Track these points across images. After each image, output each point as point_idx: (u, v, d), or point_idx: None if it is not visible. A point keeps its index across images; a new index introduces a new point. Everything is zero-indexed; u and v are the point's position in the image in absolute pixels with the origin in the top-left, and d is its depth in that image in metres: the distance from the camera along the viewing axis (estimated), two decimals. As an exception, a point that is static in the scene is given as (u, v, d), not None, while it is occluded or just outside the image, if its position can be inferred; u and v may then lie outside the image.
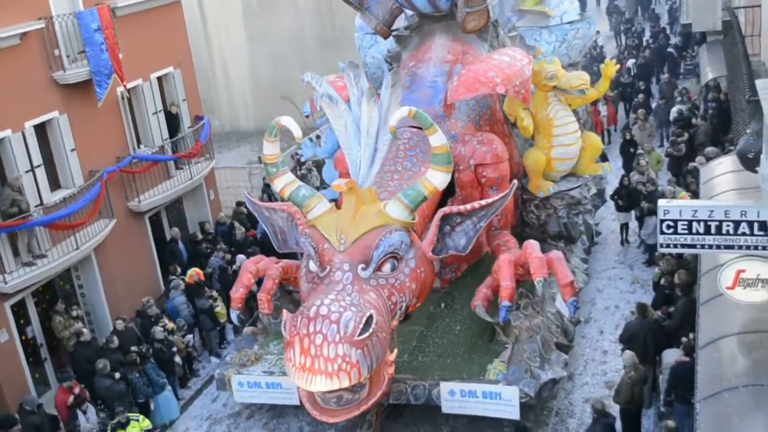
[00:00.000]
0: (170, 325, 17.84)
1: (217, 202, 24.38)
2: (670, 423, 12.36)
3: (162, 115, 21.75)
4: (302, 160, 24.78)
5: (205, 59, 33.95)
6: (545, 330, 14.84)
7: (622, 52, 36.31)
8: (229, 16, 34.62)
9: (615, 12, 45.36)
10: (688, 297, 15.02)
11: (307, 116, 19.75)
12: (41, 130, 17.86)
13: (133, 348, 16.60)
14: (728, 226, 11.57)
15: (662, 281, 16.68)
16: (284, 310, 11.98)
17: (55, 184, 18.35)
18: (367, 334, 11.04)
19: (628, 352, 14.15)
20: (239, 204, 22.88)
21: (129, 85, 19.86)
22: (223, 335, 19.53)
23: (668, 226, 11.95)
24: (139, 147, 20.88)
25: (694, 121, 24.34)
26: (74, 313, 17.65)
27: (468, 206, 13.46)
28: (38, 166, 17.58)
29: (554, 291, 15.25)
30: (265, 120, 29.90)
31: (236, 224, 21.96)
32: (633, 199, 20.61)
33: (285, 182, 13.30)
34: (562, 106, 17.54)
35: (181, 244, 21.35)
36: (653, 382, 15.01)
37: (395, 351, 12.81)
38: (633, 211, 20.90)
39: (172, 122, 22.07)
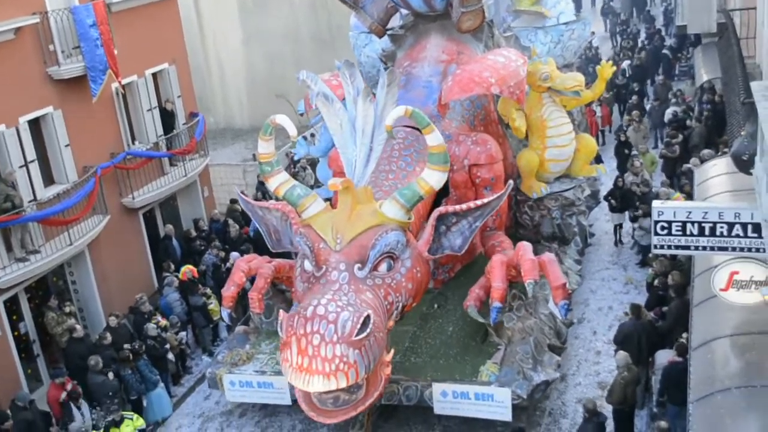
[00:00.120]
0: (163, 322, 17.79)
1: (212, 200, 24.35)
2: (663, 424, 12.36)
3: (157, 112, 21.72)
4: (295, 158, 24.75)
5: (200, 56, 33.88)
6: (538, 332, 14.83)
7: (617, 53, 36.33)
8: (225, 13, 34.54)
9: (610, 13, 45.41)
10: (681, 298, 15.06)
11: (301, 115, 19.72)
12: (35, 125, 17.83)
13: (126, 345, 16.55)
14: (722, 227, 11.62)
15: (656, 282, 16.70)
16: (281, 311, 11.95)
17: (48, 179, 18.34)
18: (364, 335, 11.00)
19: (622, 353, 14.16)
20: (233, 201, 22.85)
21: (124, 81, 19.80)
22: (216, 333, 19.50)
23: (662, 228, 11.99)
24: (133, 143, 20.85)
25: (688, 122, 24.36)
26: (67, 309, 17.62)
27: (464, 206, 13.46)
28: (32, 161, 17.56)
29: (547, 293, 15.20)
30: (259, 117, 29.86)
31: (230, 221, 21.94)
32: (627, 200, 20.63)
33: (280, 181, 13.27)
34: (556, 107, 17.53)
35: (174, 241, 21.33)
36: (646, 383, 15.03)
37: (392, 351, 12.78)
38: (627, 212, 20.91)
39: (167, 119, 22.05)
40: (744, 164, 11.54)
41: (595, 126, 27.56)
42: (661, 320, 15.51)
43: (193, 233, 21.70)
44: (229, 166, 27.42)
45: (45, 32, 17.78)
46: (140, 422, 15.09)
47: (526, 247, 14.34)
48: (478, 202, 13.50)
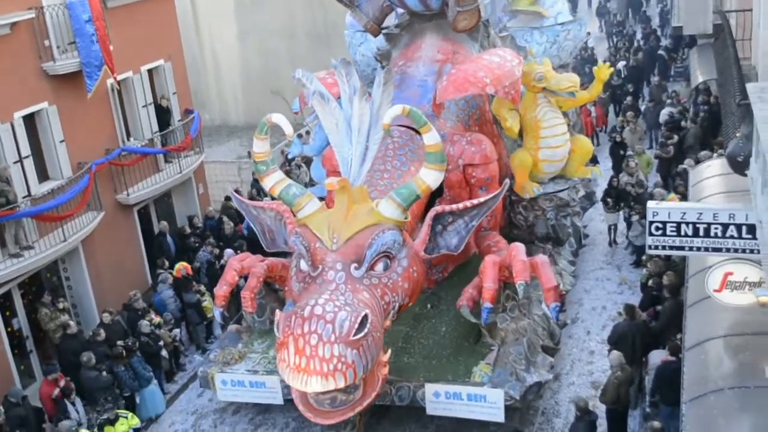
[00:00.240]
0: (157, 319, 17.78)
1: (206, 196, 24.35)
2: (656, 424, 12.39)
3: (152, 108, 21.70)
4: (289, 157, 24.74)
5: (196, 52, 33.87)
6: (531, 332, 14.82)
7: (613, 54, 36.36)
8: (221, 10, 34.53)
9: (606, 13, 45.41)
10: (675, 299, 15.08)
11: (296, 113, 19.70)
12: (30, 120, 17.79)
13: (120, 341, 16.53)
14: (716, 228, 11.64)
15: (650, 282, 16.72)
16: (277, 310, 11.91)
17: (43, 175, 18.29)
18: (362, 334, 10.96)
19: (615, 352, 14.17)
20: (228, 198, 22.82)
21: (119, 77, 19.80)
22: (210, 330, 19.46)
23: (657, 228, 12.01)
24: (128, 140, 20.82)
25: (683, 124, 24.40)
26: (61, 306, 17.60)
27: (460, 205, 13.45)
28: (26, 156, 17.51)
29: (541, 294, 15.17)
30: (255, 114, 30.01)
31: (225, 219, 21.93)
32: (621, 200, 20.65)
33: (275, 180, 13.23)
34: (551, 107, 17.50)
35: (169, 238, 21.31)
36: (639, 383, 15.05)
37: (389, 351, 12.71)
38: (621, 213, 20.94)
39: (162, 115, 22.01)
40: (739, 165, 11.54)
41: (590, 126, 27.62)
42: (654, 321, 15.53)
43: (188, 230, 21.71)
44: (224, 163, 27.42)
45: (40, 27, 17.74)
46: (135, 421, 15.04)
47: (518, 248, 14.30)
48: (475, 201, 13.50)
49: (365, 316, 11.09)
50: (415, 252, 13.07)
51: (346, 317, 10.96)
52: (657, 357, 14.26)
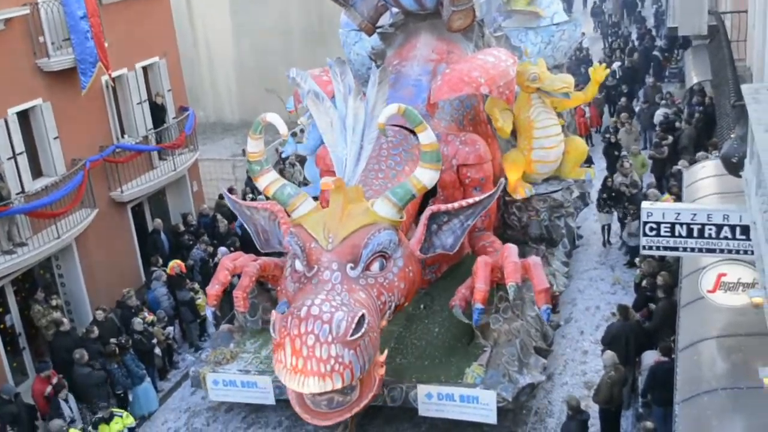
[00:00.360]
0: (150, 316, 17.74)
1: (201, 194, 24.31)
2: (649, 424, 12.40)
3: (146, 105, 21.65)
4: (283, 156, 24.72)
5: (191, 50, 33.76)
6: (524, 334, 14.80)
7: (608, 55, 36.39)
8: (216, 7, 34.43)
9: (600, 14, 45.45)
10: (669, 299, 15.09)
11: (291, 111, 19.67)
12: (24, 117, 17.74)
13: (113, 339, 16.49)
14: (710, 229, 11.65)
15: (644, 283, 16.73)
16: (273, 311, 11.88)
17: (37, 172, 18.25)
18: (359, 335, 10.95)
19: (609, 352, 14.19)
20: (222, 197, 22.78)
21: (114, 74, 19.71)
22: (203, 328, 19.43)
23: (651, 228, 12.01)
24: (122, 137, 20.77)
25: (678, 124, 24.42)
26: (54, 303, 17.53)
27: (456, 204, 13.46)
28: (20, 153, 17.47)
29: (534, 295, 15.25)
30: (249, 112, 29.95)
31: (219, 216, 21.89)
32: (615, 200, 20.66)
33: (269, 180, 13.22)
34: (544, 108, 17.50)
35: (163, 236, 21.25)
36: (633, 383, 15.07)
37: (386, 352, 12.68)
38: (615, 213, 20.95)
39: (157, 113, 21.97)
40: (734, 166, 11.58)
41: (583, 127, 27.62)
42: (648, 321, 15.55)
43: (182, 228, 21.66)
44: (219, 161, 27.40)
45: (35, 24, 17.68)
46: (130, 420, 14.95)
47: (511, 249, 14.30)
48: (470, 201, 13.50)
49: (362, 316, 11.07)
50: (411, 252, 13.05)
51: (343, 317, 10.93)
52: (650, 357, 14.28)
